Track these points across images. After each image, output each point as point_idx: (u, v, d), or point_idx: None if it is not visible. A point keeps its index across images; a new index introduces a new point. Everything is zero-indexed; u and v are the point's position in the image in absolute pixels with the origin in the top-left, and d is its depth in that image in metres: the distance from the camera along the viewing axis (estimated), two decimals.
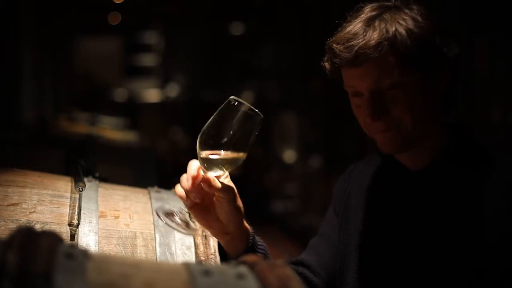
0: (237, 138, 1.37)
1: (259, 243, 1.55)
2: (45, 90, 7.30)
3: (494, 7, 3.38)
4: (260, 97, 8.96)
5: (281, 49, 7.77)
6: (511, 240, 1.39)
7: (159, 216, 1.44)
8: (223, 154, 1.38)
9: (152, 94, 11.67)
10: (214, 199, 1.45)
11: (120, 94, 11.70)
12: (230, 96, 1.39)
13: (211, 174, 1.40)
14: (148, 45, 12.35)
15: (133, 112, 9.93)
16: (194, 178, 1.40)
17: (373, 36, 1.40)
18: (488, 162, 1.48)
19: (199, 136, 1.39)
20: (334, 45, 1.46)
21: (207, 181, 1.39)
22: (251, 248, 1.51)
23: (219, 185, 1.41)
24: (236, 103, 1.38)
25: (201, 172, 1.40)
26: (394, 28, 1.40)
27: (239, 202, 1.46)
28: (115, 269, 0.85)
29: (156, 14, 10.76)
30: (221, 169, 1.40)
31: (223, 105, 1.38)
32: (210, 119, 1.39)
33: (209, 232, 1.57)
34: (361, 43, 1.41)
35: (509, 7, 3.25)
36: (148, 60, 12.41)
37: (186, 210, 1.47)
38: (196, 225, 1.48)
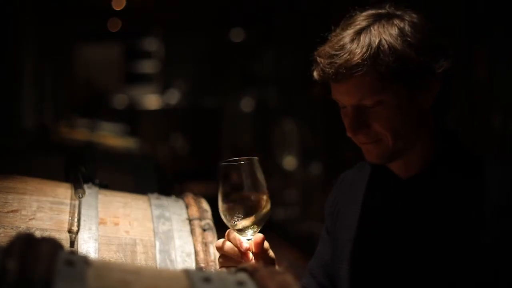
0: (251, 193, 1.39)
1: None
2: (45, 97, 7.31)
3: (495, 13, 3.38)
4: (261, 104, 8.97)
5: (281, 56, 7.78)
6: (503, 245, 1.38)
7: None
8: (248, 219, 1.39)
9: (152, 101, 11.69)
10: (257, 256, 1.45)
11: (120, 101, 11.72)
12: (221, 164, 1.40)
13: (247, 237, 1.41)
14: (148, 51, 12.37)
15: (133, 119, 9.95)
16: (246, 249, 1.41)
17: (356, 53, 1.39)
18: (477, 168, 1.48)
19: (222, 215, 1.41)
20: (319, 59, 1.46)
21: (262, 240, 1.41)
22: None
23: (257, 249, 1.41)
24: (227, 165, 1.39)
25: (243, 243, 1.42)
26: (378, 45, 1.39)
27: (271, 253, 1.47)
28: (115, 276, 0.84)
29: (156, 20, 10.78)
30: (254, 228, 1.41)
31: (219, 176, 1.39)
32: (219, 194, 1.40)
33: (209, 239, 1.57)
34: (342, 61, 1.40)
35: (509, 13, 3.25)
36: (148, 66, 12.42)
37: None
38: None
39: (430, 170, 1.50)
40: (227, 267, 1.44)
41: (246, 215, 1.38)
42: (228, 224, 1.41)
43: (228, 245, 1.42)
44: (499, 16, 3.35)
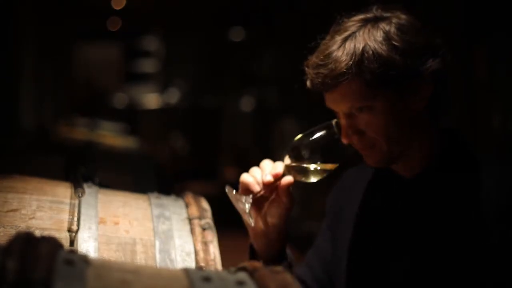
0: (327, 154, 1.52)
1: (289, 255, 1.63)
2: (45, 96, 7.31)
3: (494, 13, 3.38)
4: (260, 103, 8.97)
5: (281, 56, 7.78)
6: (504, 245, 1.38)
7: (230, 192, 1.50)
8: (314, 164, 1.51)
9: (152, 100, 11.68)
10: (275, 201, 1.54)
11: (120, 100, 11.71)
12: (333, 120, 1.53)
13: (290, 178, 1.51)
14: (148, 51, 12.36)
15: (133, 118, 9.94)
16: (276, 176, 1.50)
17: (341, 61, 1.39)
18: (479, 167, 1.48)
19: (291, 146, 1.53)
20: (307, 69, 1.48)
21: (289, 182, 1.51)
22: (282, 258, 1.60)
23: (282, 186, 1.51)
24: (334, 126, 1.52)
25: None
26: (362, 52, 1.38)
27: (292, 198, 1.55)
28: (115, 275, 0.85)
29: (156, 20, 10.77)
30: (308, 178, 1.53)
31: (324, 124, 1.55)
32: (307, 133, 1.55)
33: (208, 238, 1.57)
34: (328, 71, 1.40)
35: (509, 13, 3.25)
36: (148, 66, 12.42)
37: (250, 200, 1.52)
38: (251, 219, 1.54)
39: (432, 170, 1.50)
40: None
41: (318, 160, 1.51)
42: (289, 153, 1.51)
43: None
44: (499, 16, 3.35)
